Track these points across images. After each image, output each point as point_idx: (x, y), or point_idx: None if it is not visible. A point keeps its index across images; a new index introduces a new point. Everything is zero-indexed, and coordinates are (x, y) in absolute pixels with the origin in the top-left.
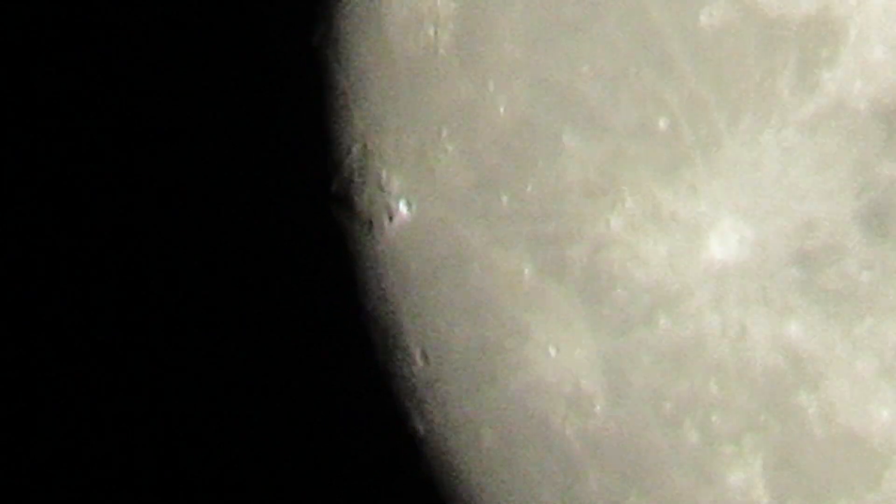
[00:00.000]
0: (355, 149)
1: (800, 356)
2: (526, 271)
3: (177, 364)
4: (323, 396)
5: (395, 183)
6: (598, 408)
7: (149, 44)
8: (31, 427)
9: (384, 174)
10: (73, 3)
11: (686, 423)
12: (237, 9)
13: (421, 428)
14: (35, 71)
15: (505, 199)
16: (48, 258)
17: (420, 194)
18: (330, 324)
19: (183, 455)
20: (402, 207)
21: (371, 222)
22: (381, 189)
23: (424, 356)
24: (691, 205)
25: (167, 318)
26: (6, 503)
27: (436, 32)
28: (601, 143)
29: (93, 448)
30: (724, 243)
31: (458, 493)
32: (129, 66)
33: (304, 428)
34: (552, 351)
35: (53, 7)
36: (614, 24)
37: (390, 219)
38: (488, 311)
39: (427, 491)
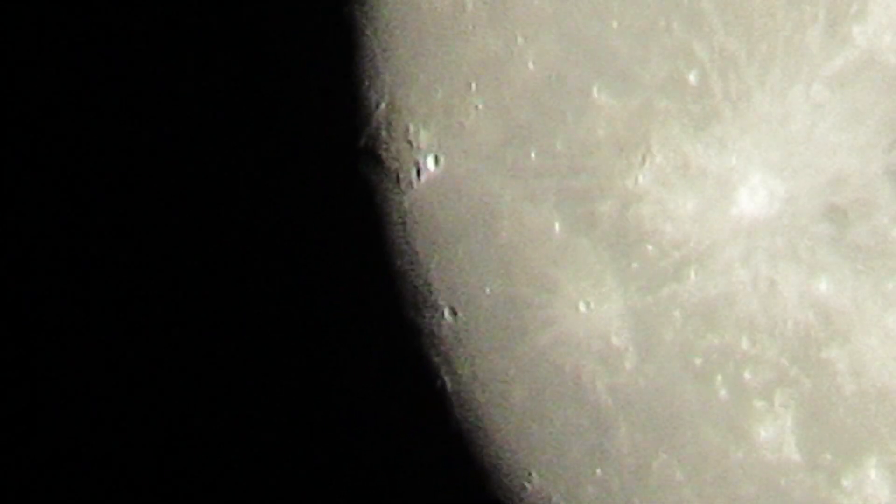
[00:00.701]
0: (383, 104)
1: (830, 312)
2: (556, 227)
3: (202, 316)
4: (352, 352)
5: (423, 138)
6: (628, 363)
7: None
8: (24, 428)
9: (412, 129)
10: None
11: (716, 378)
12: None
13: (449, 383)
14: (30, 69)
15: (534, 154)
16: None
17: (448, 149)
18: (358, 280)
19: (205, 403)
20: (431, 163)
21: (399, 178)
22: (410, 144)
23: (453, 312)
24: (721, 160)
25: (196, 273)
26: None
27: None
28: (631, 98)
29: (101, 438)
30: (754, 198)
31: (486, 449)
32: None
33: (333, 384)
34: (582, 306)
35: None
36: None
37: (418, 174)
38: (517, 266)
39: (455, 446)
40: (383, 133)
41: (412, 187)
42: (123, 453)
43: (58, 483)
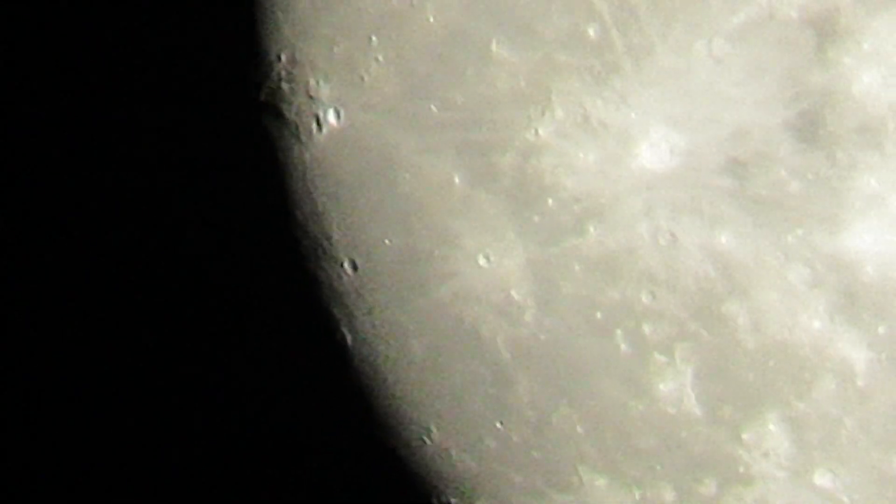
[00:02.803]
0: (284, 58)
1: (730, 265)
2: (456, 180)
3: (108, 269)
4: (252, 306)
5: (323, 92)
6: (528, 317)
7: None
8: None
9: (313, 83)
10: None
11: (617, 332)
12: None
13: (350, 336)
14: None
15: (434, 107)
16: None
17: (349, 103)
18: (259, 233)
19: (110, 358)
20: (331, 116)
21: (300, 131)
22: (310, 98)
23: (353, 264)
24: (622, 113)
25: (96, 227)
26: None
27: None
28: (531, 52)
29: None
30: (655, 152)
31: (386, 402)
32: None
33: (234, 337)
34: (482, 260)
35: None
36: None
37: (319, 127)
38: (418, 219)
39: (355, 399)
40: (284, 87)
41: (313, 141)
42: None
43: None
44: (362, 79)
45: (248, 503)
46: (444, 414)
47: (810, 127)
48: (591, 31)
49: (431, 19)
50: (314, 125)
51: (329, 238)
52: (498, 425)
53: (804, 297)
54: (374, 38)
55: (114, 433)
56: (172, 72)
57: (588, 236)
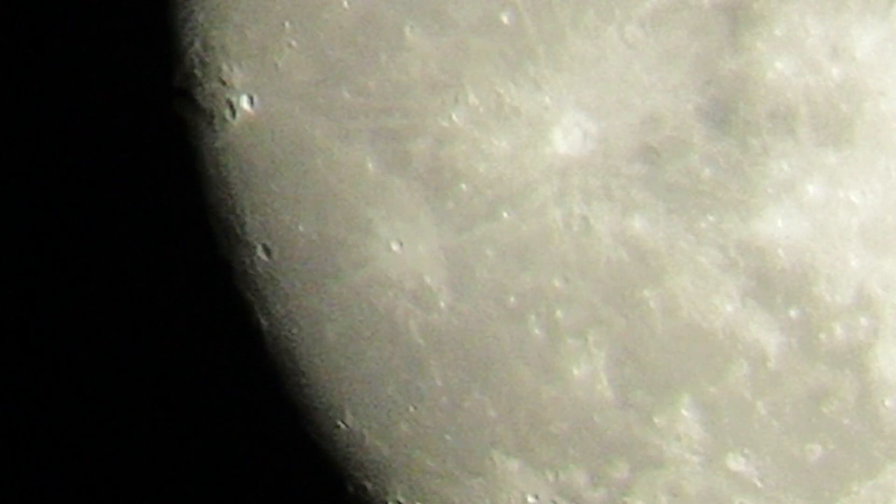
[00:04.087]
0: (197, 43)
1: (643, 251)
2: (369, 166)
3: (23, 257)
4: (165, 291)
5: (237, 77)
6: (441, 302)
7: None
8: None
9: (226, 69)
10: None
11: (530, 317)
12: None
13: (264, 322)
14: None
15: (347, 93)
16: None
17: (262, 89)
18: (173, 218)
19: (27, 346)
20: (245, 102)
21: (213, 117)
22: (224, 83)
23: (267, 250)
24: (534, 99)
25: (10, 217)
26: None
27: None
28: (444, 37)
29: None
30: (568, 138)
31: (300, 388)
32: None
33: (147, 324)
34: (395, 246)
35: None
36: None
37: (233, 113)
38: (331, 205)
39: (269, 385)
40: (197, 72)
41: (226, 127)
42: None
43: None
44: (276, 65)
45: (161, 487)
46: (358, 399)
47: (723, 113)
48: (504, 17)
49: (345, 4)
50: (227, 111)
51: (243, 224)
52: (411, 410)
53: (717, 282)
54: (287, 24)
55: (26, 420)
56: (86, 59)
57: (501, 222)
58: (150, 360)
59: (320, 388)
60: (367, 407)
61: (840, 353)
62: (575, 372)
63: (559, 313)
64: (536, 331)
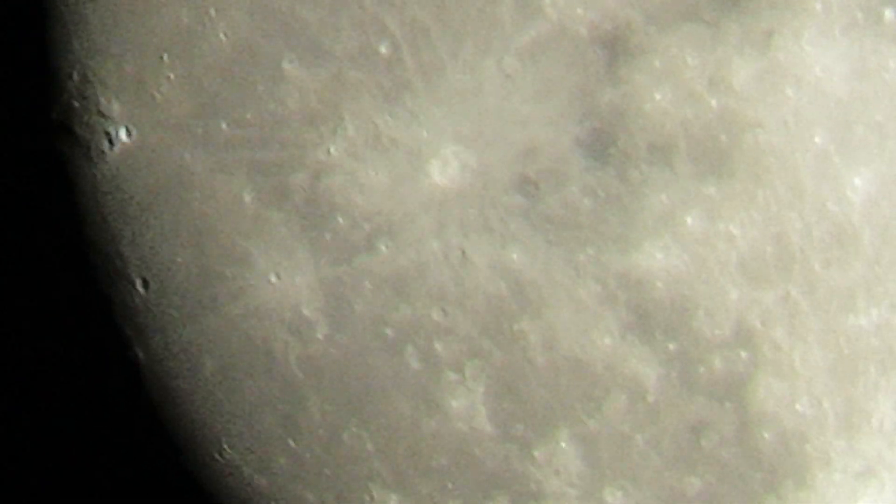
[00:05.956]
0: (76, 75)
1: (522, 283)
2: (247, 198)
3: None
4: (43, 324)
5: (115, 109)
6: (319, 335)
7: None
8: None
9: (104, 101)
10: None
11: (408, 349)
12: None
13: (142, 355)
14: None
15: (225, 125)
16: None
17: (141, 121)
18: (51, 251)
19: None
20: (123, 134)
21: (91, 149)
22: (102, 116)
23: (145, 283)
24: (413, 131)
25: None
26: None
27: None
28: (321, 70)
29: None
30: (446, 170)
31: (178, 421)
32: None
33: (24, 356)
34: (273, 278)
35: None
36: None
37: (111, 145)
38: (209, 237)
39: (148, 417)
40: (76, 104)
41: (104, 159)
42: None
43: None
44: (153, 97)
45: None
46: (236, 432)
47: (601, 145)
48: (382, 49)
49: (223, 37)
50: (105, 143)
51: (121, 256)
52: (290, 443)
53: (595, 315)
54: (165, 57)
55: None
56: None
57: (379, 254)
58: (28, 394)
59: (198, 421)
60: (245, 440)
61: (719, 386)
62: (454, 405)
63: (437, 346)
64: (414, 363)
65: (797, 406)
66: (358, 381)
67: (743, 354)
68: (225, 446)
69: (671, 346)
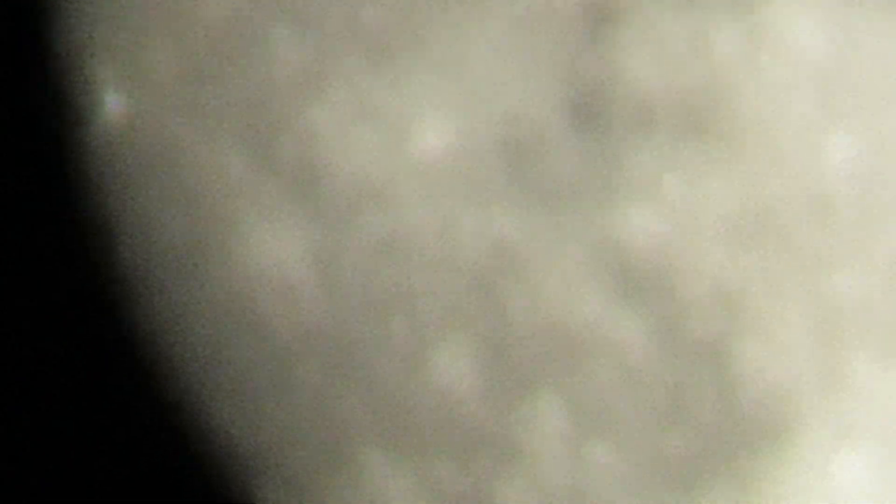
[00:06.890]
0: (65, 42)
1: (506, 248)
2: (235, 164)
3: None
4: (36, 295)
5: (103, 75)
6: (308, 300)
7: None
8: None
9: (94, 68)
10: None
11: (395, 313)
12: None
13: (134, 321)
14: None
15: (213, 92)
16: None
17: (129, 87)
18: (39, 220)
19: None
20: (111, 100)
21: (80, 115)
22: (92, 83)
23: (133, 249)
24: (399, 98)
25: None
26: None
27: None
28: (308, 37)
29: None
30: (431, 136)
31: (167, 384)
32: None
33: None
34: (261, 244)
35: None
36: None
37: (100, 112)
38: (197, 204)
39: (138, 382)
40: (65, 72)
41: (93, 125)
42: None
43: None
44: (142, 63)
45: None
46: (225, 396)
47: (585, 110)
48: (368, 16)
49: (213, 5)
50: (94, 109)
51: (110, 222)
52: (278, 405)
53: (579, 279)
54: (154, 23)
55: None
56: None
57: (366, 219)
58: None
59: (188, 384)
60: (235, 403)
61: (701, 348)
62: (439, 367)
63: (423, 309)
64: (401, 327)
65: (777, 368)
66: (346, 344)
67: (724, 317)
68: (214, 410)
69: (654, 309)
